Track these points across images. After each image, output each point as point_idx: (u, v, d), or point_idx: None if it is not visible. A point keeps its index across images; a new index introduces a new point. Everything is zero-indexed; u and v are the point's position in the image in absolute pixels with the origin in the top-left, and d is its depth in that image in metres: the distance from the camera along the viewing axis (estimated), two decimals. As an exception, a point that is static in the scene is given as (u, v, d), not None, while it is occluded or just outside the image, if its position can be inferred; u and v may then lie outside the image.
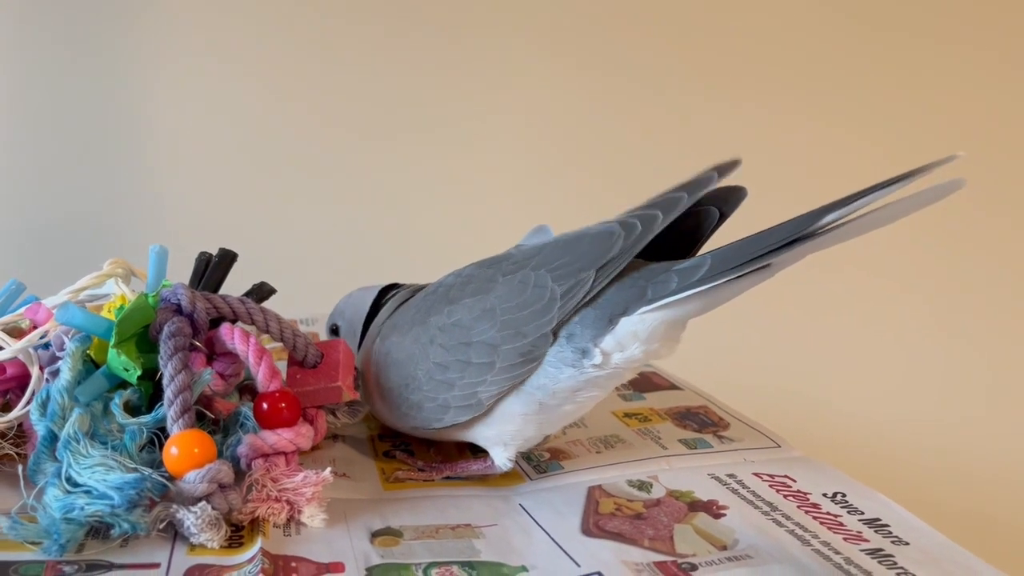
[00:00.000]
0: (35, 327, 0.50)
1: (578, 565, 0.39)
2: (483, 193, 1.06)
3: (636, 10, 1.06)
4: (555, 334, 0.44)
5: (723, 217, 0.45)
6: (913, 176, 0.38)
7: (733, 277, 0.41)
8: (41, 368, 0.47)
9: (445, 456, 0.52)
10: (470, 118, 1.05)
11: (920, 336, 1.11)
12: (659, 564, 0.39)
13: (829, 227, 0.39)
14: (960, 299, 1.11)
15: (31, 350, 0.47)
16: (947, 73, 1.12)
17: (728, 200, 0.44)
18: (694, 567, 0.39)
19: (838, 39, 1.10)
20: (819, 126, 1.09)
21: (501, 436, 0.47)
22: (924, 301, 1.10)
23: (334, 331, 0.57)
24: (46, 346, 0.47)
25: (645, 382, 0.64)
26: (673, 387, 0.64)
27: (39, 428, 0.43)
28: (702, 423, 0.57)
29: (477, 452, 0.52)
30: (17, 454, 0.45)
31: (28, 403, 0.46)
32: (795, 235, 0.39)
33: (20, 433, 0.47)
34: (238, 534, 0.41)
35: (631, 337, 0.44)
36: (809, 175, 1.01)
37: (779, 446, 0.53)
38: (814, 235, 0.39)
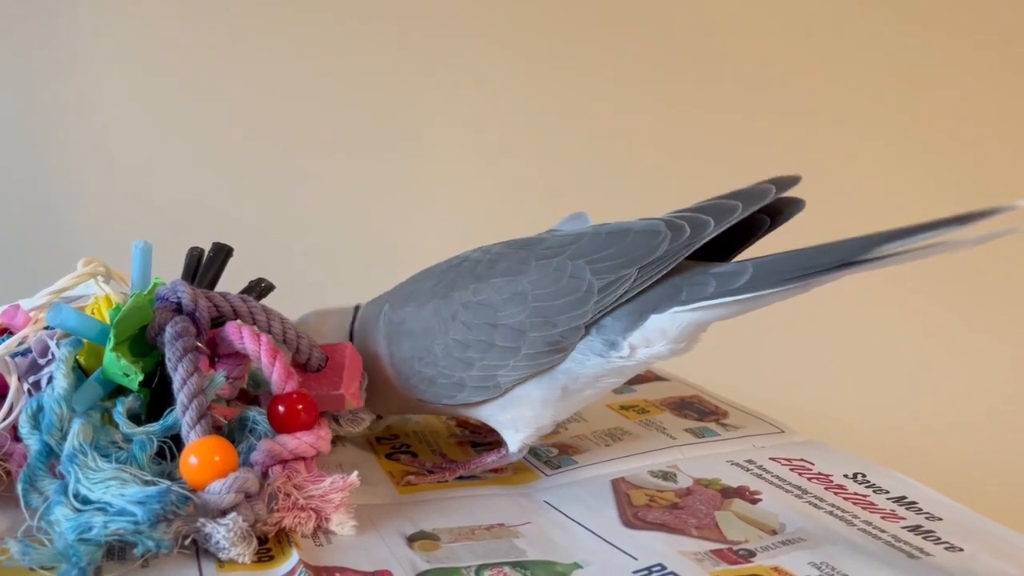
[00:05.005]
0: (1, 333, 0.45)
1: (634, 559, 0.38)
2: (469, 193, 1.04)
3: (605, 10, 1.05)
4: (586, 326, 0.43)
5: (772, 226, 0.44)
6: (975, 219, 0.36)
7: (771, 291, 0.40)
8: (19, 378, 0.42)
9: (451, 456, 0.50)
10: (452, 121, 1.03)
11: (907, 332, 1.13)
12: (716, 552, 0.38)
13: (878, 256, 0.38)
14: (937, 290, 1.12)
15: (8, 358, 0.42)
16: (949, 71, 1.14)
17: (782, 211, 0.43)
18: (752, 553, 0.38)
19: (809, 34, 1.11)
20: (793, 124, 1.10)
21: (515, 421, 0.46)
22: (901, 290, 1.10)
23: None
24: (22, 353, 0.43)
25: (633, 374, 0.64)
26: (659, 379, 0.64)
27: (32, 442, 0.39)
28: (701, 412, 0.57)
29: (480, 451, 0.50)
30: (1, 473, 0.41)
31: (7, 416, 0.41)
32: (845, 261, 0.38)
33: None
34: (264, 547, 0.38)
35: (659, 334, 0.43)
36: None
37: (783, 431, 0.54)
38: (862, 262, 0.38)
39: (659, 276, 0.42)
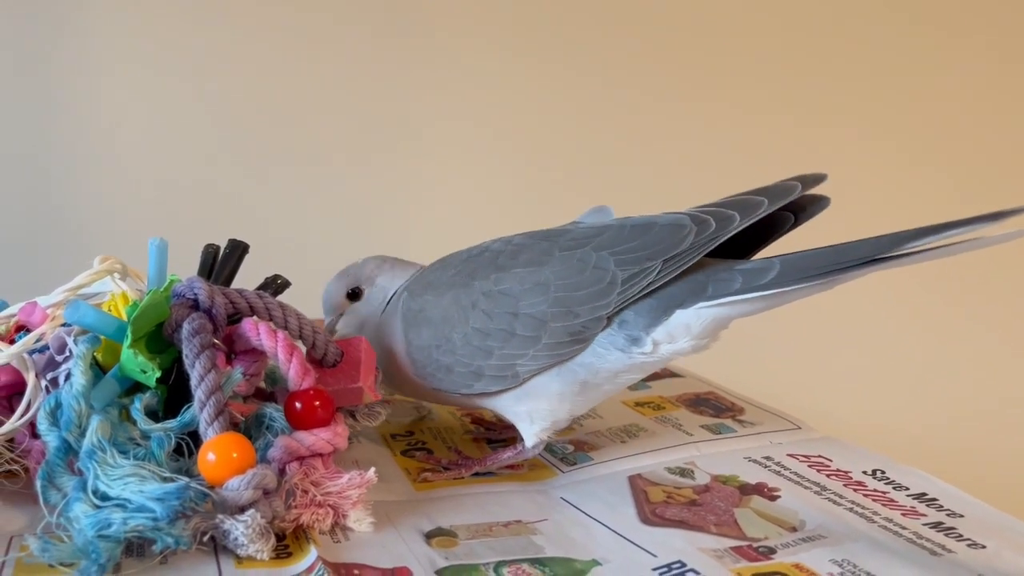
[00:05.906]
0: (19, 330, 0.45)
1: (654, 556, 0.37)
2: (475, 191, 1.03)
3: (613, 5, 1.05)
4: (608, 318, 0.43)
5: (795, 224, 0.44)
6: (1003, 217, 0.37)
7: (797, 287, 0.41)
8: (37, 375, 0.42)
9: (467, 453, 0.50)
10: (454, 119, 1.03)
11: (920, 331, 1.12)
12: (736, 549, 0.38)
13: (906, 252, 0.39)
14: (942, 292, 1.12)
15: (26, 355, 0.42)
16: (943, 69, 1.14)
17: (806, 208, 0.43)
18: (772, 550, 0.38)
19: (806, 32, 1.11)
20: (803, 123, 1.10)
21: (531, 413, 0.46)
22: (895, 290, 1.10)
23: (352, 295, 0.50)
24: (40, 350, 0.43)
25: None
26: (674, 375, 0.64)
27: (50, 439, 0.39)
28: (717, 409, 0.56)
29: (496, 448, 0.50)
30: (19, 470, 0.41)
31: (25, 413, 0.41)
32: (872, 257, 0.39)
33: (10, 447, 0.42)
34: (282, 544, 0.38)
35: (683, 330, 0.43)
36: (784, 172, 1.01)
37: (799, 428, 0.53)
38: (889, 258, 0.39)
39: (683, 269, 0.42)
